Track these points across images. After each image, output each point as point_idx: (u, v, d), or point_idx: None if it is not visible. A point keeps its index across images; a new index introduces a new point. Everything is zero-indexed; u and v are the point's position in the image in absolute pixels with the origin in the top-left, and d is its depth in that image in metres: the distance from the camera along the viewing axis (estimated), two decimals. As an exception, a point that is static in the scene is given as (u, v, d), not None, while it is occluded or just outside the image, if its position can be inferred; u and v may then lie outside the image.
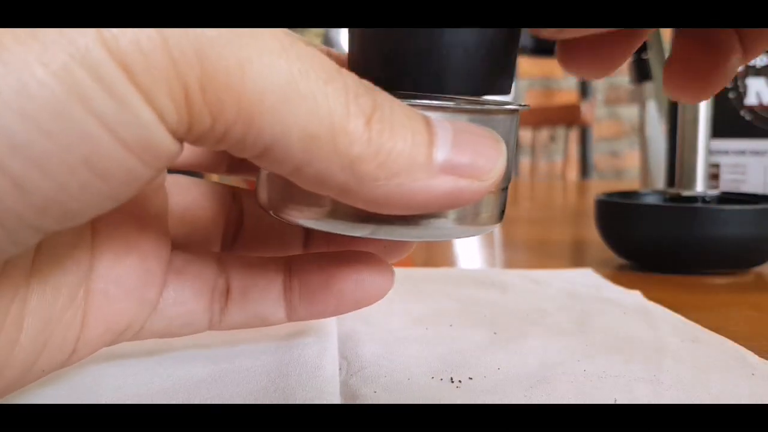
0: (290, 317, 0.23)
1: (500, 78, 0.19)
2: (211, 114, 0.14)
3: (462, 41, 0.18)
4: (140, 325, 0.21)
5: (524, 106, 0.20)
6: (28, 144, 0.12)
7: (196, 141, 0.14)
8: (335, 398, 0.21)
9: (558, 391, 0.22)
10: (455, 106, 0.18)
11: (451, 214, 0.18)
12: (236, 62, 0.13)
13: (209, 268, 0.22)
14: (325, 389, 0.22)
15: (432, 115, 0.17)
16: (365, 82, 0.15)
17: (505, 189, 0.20)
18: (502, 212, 0.20)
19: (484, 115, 0.18)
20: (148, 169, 0.14)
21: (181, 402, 0.21)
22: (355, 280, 0.22)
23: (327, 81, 0.14)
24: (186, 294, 0.21)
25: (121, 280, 0.20)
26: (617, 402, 0.21)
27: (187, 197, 0.23)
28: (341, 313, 0.22)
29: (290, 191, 0.18)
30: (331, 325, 0.28)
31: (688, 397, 0.21)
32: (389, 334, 0.28)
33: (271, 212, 0.19)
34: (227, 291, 0.22)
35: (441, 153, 0.16)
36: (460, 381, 0.23)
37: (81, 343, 0.19)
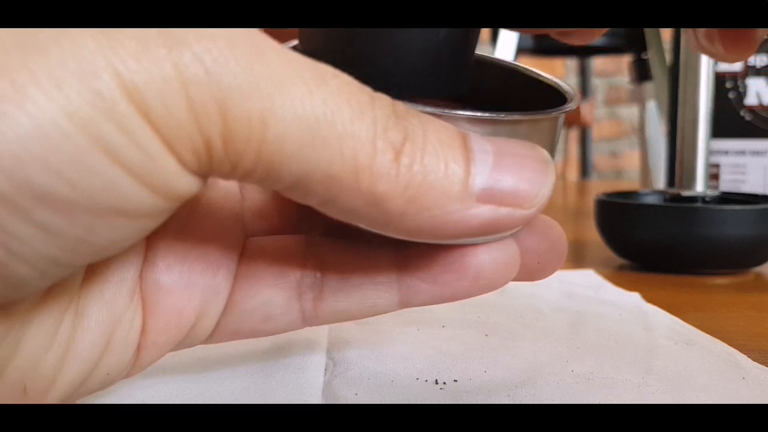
0: (405, 302, 0.19)
1: (464, 73, 0.18)
2: (231, 162, 0.13)
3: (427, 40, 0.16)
4: (212, 320, 0.19)
5: (569, 103, 0.18)
6: (53, 193, 0.12)
7: (219, 177, 0.14)
8: (316, 400, 0.21)
9: (542, 392, 0.21)
10: (496, 117, 0.16)
11: None
12: (259, 116, 0.13)
13: (293, 251, 0.19)
14: (307, 390, 0.21)
15: (471, 129, 0.15)
16: (399, 106, 0.14)
17: None
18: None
19: (530, 124, 0.16)
20: (173, 204, 0.14)
21: (162, 402, 0.21)
22: (494, 259, 0.18)
23: (354, 119, 0.14)
24: (262, 282, 0.19)
25: (173, 267, 0.18)
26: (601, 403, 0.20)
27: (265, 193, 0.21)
28: (472, 296, 0.19)
29: None
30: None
31: (674, 400, 0.21)
32: (379, 335, 0.27)
33: None
34: (321, 277, 0.19)
35: (479, 181, 0.15)
36: (444, 383, 0.22)
37: (144, 343, 0.18)
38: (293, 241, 0.20)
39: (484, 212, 0.15)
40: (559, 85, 0.19)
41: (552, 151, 0.17)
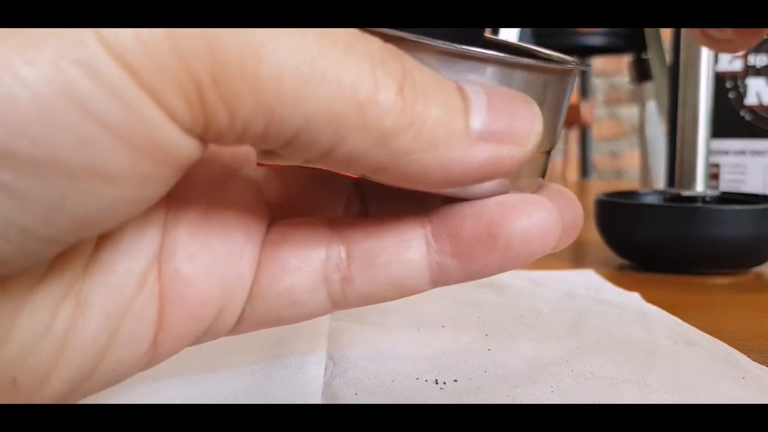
0: (438, 281, 0.18)
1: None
2: (228, 109, 0.12)
3: None
4: (236, 310, 0.18)
5: (575, 63, 0.18)
6: (16, 153, 0.11)
7: (217, 139, 0.13)
8: (316, 400, 0.21)
9: (542, 392, 0.21)
10: (502, 58, 0.16)
11: None
12: (250, 49, 0.12)
13: (317, 234, 0.18)
14: (307, 390, 0.21)
15: (467, 72, 0.15)
16: (390, 47, 0.14)
17: (547, 152, 0.19)
18: (543, 174, 0.19)
19: (530, 72, 0.16)
20: (165, 170, 0.13)
21: (162, 402, 0.21)
22: (524, 227, 0.17)
23: (347, 51, 0.13)
24: (286, 267, 0.18)
25: (196, 256, 0.17)
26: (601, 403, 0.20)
27: (291, 183, 0.20)
28: (505, 271, 0.18)
29: None
30: (322, 324, 0.28)
31: (674, 400, 0.21)
32: (380, 335, 0.27)
33: None
34: (347, 258, 0.18)
35: (477, 119, 0.14)
36: (444, 383, 0.22)
37: (162, 337, 0.17)
38: (317, 223, 0.19)
39: (485, 151, 0.14)
40: (563, 59, 0.19)
41: (556, 114, 0.17)
